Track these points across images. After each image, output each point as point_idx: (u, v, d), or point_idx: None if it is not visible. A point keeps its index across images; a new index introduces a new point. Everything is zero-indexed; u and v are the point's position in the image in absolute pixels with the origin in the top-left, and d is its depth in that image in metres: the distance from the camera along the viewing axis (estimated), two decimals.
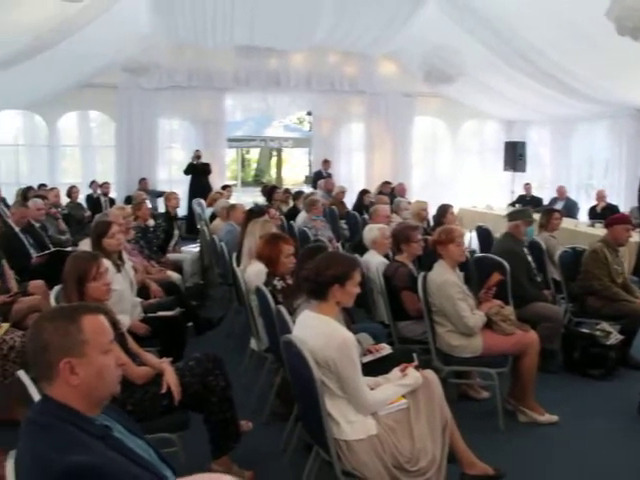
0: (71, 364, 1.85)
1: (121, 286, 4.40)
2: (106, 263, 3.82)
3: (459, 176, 15.77)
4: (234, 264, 5.50)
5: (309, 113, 17.46)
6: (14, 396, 4.45)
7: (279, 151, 28.95)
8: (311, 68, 14.48)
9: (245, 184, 26.65)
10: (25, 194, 10.13)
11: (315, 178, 14.09)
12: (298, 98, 15.09)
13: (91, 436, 1.83)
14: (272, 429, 4.34)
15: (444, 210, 7.32)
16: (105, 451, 1.81)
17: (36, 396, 2.38)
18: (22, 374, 2.53)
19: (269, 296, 4.17)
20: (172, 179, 14.63)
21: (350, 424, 3.00)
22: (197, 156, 13.56)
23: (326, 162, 14.53)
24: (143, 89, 13.78)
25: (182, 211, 13.13)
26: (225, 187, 12.06)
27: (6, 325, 4.58)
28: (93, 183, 12.95)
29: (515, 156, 14.14)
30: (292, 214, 9.31)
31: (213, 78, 14.08)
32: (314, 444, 3.32)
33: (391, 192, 12.00)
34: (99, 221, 5.18)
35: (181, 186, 13.74)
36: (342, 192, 11.45)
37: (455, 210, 7.94)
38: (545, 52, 9.54)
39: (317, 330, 3.06)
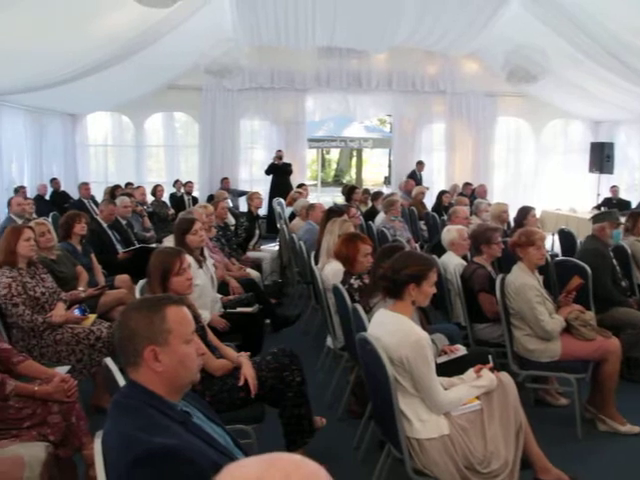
0: (155, 352, 1.95)
1: (202, 282, 4.53)
2: (189, 259, 3.95)
3: (542, 178, 15.40)
4: (312, 263, 5.57)
5: (389, 114, 17.36)
6: (100, 384, 4.67)
7: (359, 151, 28.97)
8: (392, 68, 14.46)
9: (325, 184, 26.81)
10: (113, 192, 10.53)
11: (410, 179, 13.83)
12: (379, 99, 15.06)
13: (172, 420, 1.92)
14: (346, 426, 4.38)
15: (525, 212, 7.18)
16: (185, 435, 1.89)
17: (122, 382, 2.49)
18: (109, 361, 2.65)
19: (346, 294, 4.21)
20: (253, 178, 14.88)
21: (422, 423, 3.01)
22: (279, 156, 13.72)
23: (420, 164, 14.36)
24: (226, 90, 14.10)
25: (262, 210, 13.37)
26: (301, 186, 12.17)
27: (93, 316, 4.80)
28: (177, 182, 13.31)
29: (602, 157, 13.68)
30: (371, 214, 9.33)
31: (294, 79, 14.26)
32: (386, 442, 3.34)
33: (471, 193, 11.86)
34: (183, 218, 5.34)
35: (262, 185, 13.95)
36: (421, 193, 11.38)
37: (537, 213, 7.77)
38: (633, 47, 9.19)
39: (392, 328, 3.08)
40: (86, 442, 3.47)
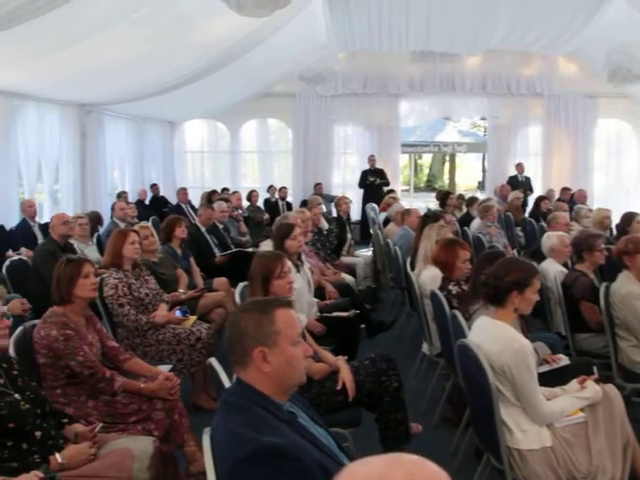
0: (264, 353, 1.99)
1: (300, 286, 4.58)
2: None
3: None
4: (408, 268, 5.54)
5: (483, 118, 17.04)
6: (198, 383, 4.80)
7: (452, 156, 28.60)
8: (487, 71, 14.17)
9: (417, 189, 26.60)
10: (210, 197, 10.81)
11: (510, 183, 13.55)
12: (473, 102, 14.82)
13: (279, 419, 1.96)
14: (442, 433, 4.34)
15: (629, 218, 6.90)
16: (291, 434, 1.93)
17: (226, 382, 2.56)
18: (214, 361, 2.72)
19: (444, 301, 4.16)
20: (346, 183, 14.90)
21: (524, 433, 2.94)
22: (371, 165, 13.76)
23: (519, 165, 14.02)
24: (319, 97, 14.23)
25: (356, 215, 13.41)
26: (390, 192, 12.12)
27: (194, 317, 4.95)
28: (271, 187, 13.52)
29: None
30: (465, 220, 9.19)
31: (387, 84, 14.21)
32: (485, 451, 3.28)
33: (570, 199, 11.48)
34: (282, 223, 5.42)
35: (355, 190, 14.01)
36: (518, 198, 11.11)
37: None
38: None
39: (494, 336, 3.03)
40: (187, 439, 3.59)
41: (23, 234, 7.98)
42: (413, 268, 5.43)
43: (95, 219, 8.51)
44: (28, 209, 8.32)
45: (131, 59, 8.06)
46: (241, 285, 4.53)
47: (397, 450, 3.60)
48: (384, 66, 13.96)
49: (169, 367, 4.14)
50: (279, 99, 14.34)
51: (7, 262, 6.22)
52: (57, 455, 2.60)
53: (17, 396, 2.63)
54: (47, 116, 9.71)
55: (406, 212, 7.67)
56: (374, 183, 13.55)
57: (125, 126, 12.52)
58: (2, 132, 8.56)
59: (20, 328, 3.43)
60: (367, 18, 10.95)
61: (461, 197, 11.55)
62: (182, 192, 11.53)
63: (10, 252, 7.45)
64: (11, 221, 8.48)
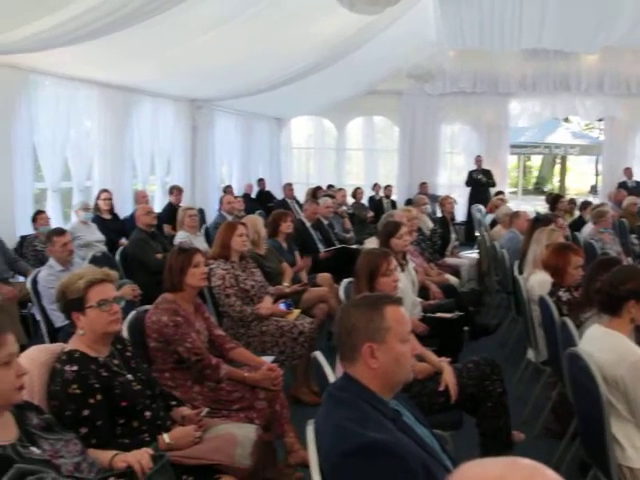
0: (372, 348, 1.99)
1: (404, 285, 4.54)
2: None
3: None
4: (515, 272, 5.39)
5: (600, 119, 16.34)
6: (299, 376, 4.86)
7: (563, 158, 27.60)
8: (604, 70, 13.52)
9: (525, 192, 25.84)
10: (314, 193, 10.91)
11: (620, 188, 12.97)
12: (589, 102, 14.23)
13: (384, 416, 1.95)
14: (544, 444, 4.19)
15: None
16: (396, 432, 1.92)
17: (330, 376, 2.57)
18: (319, 354, 2.74)
19: (553, 307, 4.02)
20: (452, 184, 14.73)
21: (637, 450, 2.79)
22: (478, 163, 13.51)
23: (627, 170, 13.39)
24: (427, 95, 14.08)
25: (461, 217, 13.20)
26: (498, 193, 11.84)
27: (297, 311, 5.01)
28: (375, 185, 13.51)
29: None
30: (576, 225, 8.85)
31: (498, 83, 13.88)
32: (592, 466, 3.14)
33: None
34: (390, 221, 5.40)
35: (460, 191, 13.80)
36: (634, 204, 10.59)
37: None
38: None
39: (608, 346, 2.90)
40: (287, 430, 3.64)
41: (135, 223, 8.33)
42: (521, 272, 5.28)
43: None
44: (141, 199, 8.68)
45: (242, 56, 8.24)
46: (345, 281, 4.55)
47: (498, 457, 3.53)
48: (495, 64, 13.63)
49: (272, 358, 4.20)
50: (386, 97, 14.28)
51: (120, 249, 6.54)
52: (165, 435, 2.68)
53: (130, 377, 2.74)
54: (161, 111, 10.12)
55: (515, 215, 7.46)
56: (480, 181, 13.29)
57: (234, 121, 12.83)
58: (119, 126, 8.99)
59: (133, 312, 3.58)
60: (478, 15, 10.70)
61: (572, 201, 11.15)
62: (288, 187, 11.69)
63: (123, 240, 7.81)
64: (125, 211, 8.87)
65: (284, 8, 7.29)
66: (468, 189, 13.65)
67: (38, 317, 6.44)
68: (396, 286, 3.70)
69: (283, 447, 3.66)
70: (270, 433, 3.52)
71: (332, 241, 7.79)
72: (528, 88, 13.80)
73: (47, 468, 2.00)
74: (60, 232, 5.05)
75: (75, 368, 2.54)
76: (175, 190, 9.36)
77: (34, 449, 2.05)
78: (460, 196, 13.39)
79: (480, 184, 13.29)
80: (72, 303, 2.67)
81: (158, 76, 8.57)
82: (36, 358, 2.59)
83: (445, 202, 8.84)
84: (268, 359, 4.05)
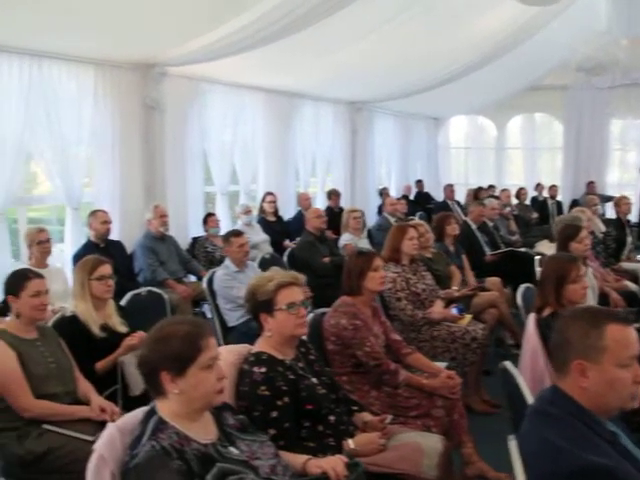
0: (583, 366, 1.85)
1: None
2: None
3: None
4: None
5: None
6: (471, 384, 4.71)
7: None
8: None
9: None
10: (476, 194, 10.62)
11: None
12: None
13: (600, 438, 1.80)
14: None
15: None
16: (615, 456, 1.75)
17: (524, 388, 2.44)
18: (508, 364, 2.62)
19: None
20: (622, 183, 13.83)
21: None
22: None
23: None
24: (595, 88, 13.28)
25: (633, 217, 12.35)
26: None
27: (469, 316, 4.87)
28: (539, 185, 12.95)
29: None
30: None
31: None
32: None
33: None
34: (568, 224, 5.13)
35: (632, 190, 12.93)
36: None
37: None
38: None
39: None
40: (465, 440, 3.53)
41: (298, 225, 8.49)
42: None
43: None
44: (304, 202, 8.85)
45: (402, 57, 8.15)
46: (523, 287, 4.35)
47: None
48: None
49: (445, 364, 4.09)
50: (548, 92, 13.62)
51: (287, 251, 6.68)
52: (349, 441, 2.66)
53: (314, 380, 2.74)
54: (322, 113, 10.27)
55: None
56: None
57: (392, 123, 12.81)
58: (283, 131, 9.22)
59: (311, 315, 3.60)
60: None
61: None
62: (449, 188, 11.46)
63: (287, 242, 7.98)
64: (289, 213, 9.08)
65: (447, 5, 7.12)
66: (639, 188, 12.76)
67: (209, 315, 6.75)
68: (585, 294, 3.48)
69: (460, 458, 3.54)
70: (450, 443, 3.41)
71: (498, 244, 7.52)
72: None
73: (246, 469, 2.03)
74: (237, 233, 5.22)
75: (263, 370, 2.58)
76: (333, 194, 9.45)
77: (232, 449, 2.08)
78: (633, 196, 12.52)
79: None
80: (261, 305, 2.71)
81: (320, 80, 8.68)
82: (225, 359, 2.64)
83: (621, 203, 8.27)
84: (442, 365, 3.95)
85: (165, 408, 2.01)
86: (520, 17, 8.05)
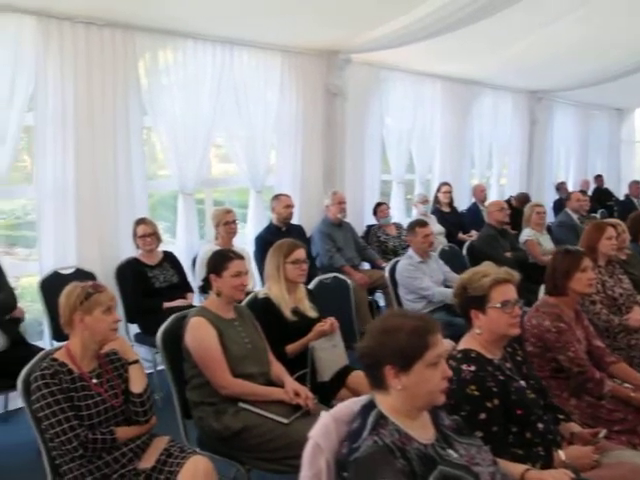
0: None
1: None
2: None
3: None
4: None
5: None
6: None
7: None
8: None
9: None
10: None
11: None
12: None
13: None
14: None
15: None
16: None
17: None
18: None
19: None
20: None
21: None
22: None
23: None
24: None
25: None
26: None
27: None
28: None
29: None
30: None
31: None
32: None
33: None
34: None
35: None
36: None
37: None
38: None
39: None
40: None
41: (473, 217, 8.28)
42: None
43: None
44: (479, 193, 8.59)
45: (588, 44, 7.62)
46: None
47: None
48: None
49: None
50: None
51: (467, 244, 6.50)
52: (560, 452, 2.49)
53: (523, 383, 2.59)
54: (500, 103, 9.92)
55: None
56: None
57: (572, 114, 12.15)
58: (460, 120, 9.00)
59: None
60: None
61: None
62: (635, 185, 10.67)
63: (461, 234, 7.79)
64: (463, 204, 8.85)
65: None
66: None
67: (382, 304, 6.71)
68: None
69: None
70: None
71: None
72: None
73: (467, 474, 1.92)
74: (422, 223, 5.15)
75: (473, 368, 2.47)
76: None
77: (451, 452, 1.99)
78: None
79: None
80: (473, 300, 2.60)
81: (500, 68, 8.37)
82: None
83: None
84: None
85: (385, 403, 1.95)
86: None
